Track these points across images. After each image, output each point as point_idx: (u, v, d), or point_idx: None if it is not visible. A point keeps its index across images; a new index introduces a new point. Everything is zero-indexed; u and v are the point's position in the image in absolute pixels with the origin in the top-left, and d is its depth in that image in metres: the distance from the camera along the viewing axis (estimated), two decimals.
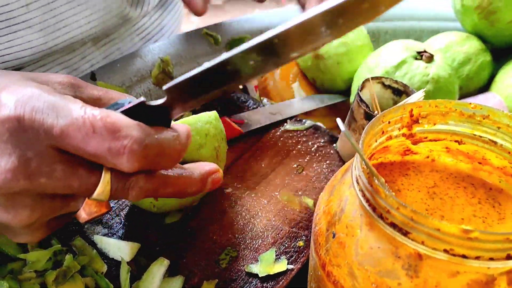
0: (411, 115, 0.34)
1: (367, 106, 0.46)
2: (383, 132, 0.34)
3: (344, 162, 0.51)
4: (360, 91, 0.47)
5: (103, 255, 0.39)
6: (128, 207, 0.43)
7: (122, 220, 0.42)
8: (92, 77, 0.51)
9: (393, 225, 0.27)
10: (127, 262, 0.38)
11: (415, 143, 0.37)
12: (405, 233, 0.26)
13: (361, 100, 0.46)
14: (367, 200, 0.28)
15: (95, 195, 0.27)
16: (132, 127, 0.26)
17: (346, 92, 0.62)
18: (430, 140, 0.36)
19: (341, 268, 0.29)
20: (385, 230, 0.27)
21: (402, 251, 0.27)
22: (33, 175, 0.25)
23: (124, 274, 0.36)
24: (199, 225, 0.43)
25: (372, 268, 0.28)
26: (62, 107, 0.26)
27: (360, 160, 0.29)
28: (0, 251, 0.37)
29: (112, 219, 0.42)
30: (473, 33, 0.62)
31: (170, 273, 0.39)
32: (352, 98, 0.58)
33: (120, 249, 0.38)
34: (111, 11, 0.56)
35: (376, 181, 0.27)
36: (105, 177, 0.27)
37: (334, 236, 0.30)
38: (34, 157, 0.25)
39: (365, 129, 0.31)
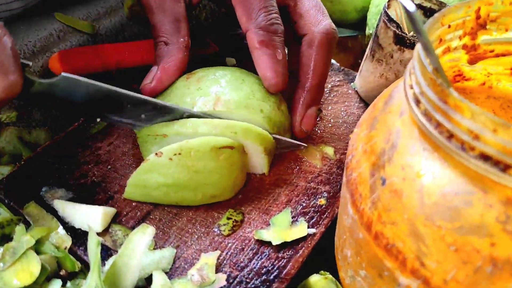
0: (477, 17, 0.25)
1: (398, 26, 0.36)
2: (440, 41, 0.25)
3: (365, 103, 0.41)
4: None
5: (66, 226, 0.30)
6: (100, 164, 0.34)
7: (92, 180, 0.33)
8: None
9: (484, 158, 0.18)
10: (100, 233, 0.29)
11: (473, 61, 0.28)
12: (504, 168, 0.17)
13: (390, 19, 0.36)
14: (438, 125, 0.19)
15: None
16: None
17: (359, 25, 0.52)
18: (496, 55, 0.27)
19: (397, 226, 0.20)
20: (469, 166, 0.18)
21: (495, 197, 0.18)
22: None
23: (94, 248, 0.26)
24: None
25: (448, 224, 0.19)
26: None
27: (421, 69, 0.20)
28: None
29: (77, 179, 0.33)
30: None
31: (157, 244, 0.30)
32: (368, 30, 0.49)
33: (89, 217, 0.29)
34: None
35: (453, 93, 0.18)
36: None
37: (384, 183, 0.21)
38: None
39: (424, 29, 0.21)
